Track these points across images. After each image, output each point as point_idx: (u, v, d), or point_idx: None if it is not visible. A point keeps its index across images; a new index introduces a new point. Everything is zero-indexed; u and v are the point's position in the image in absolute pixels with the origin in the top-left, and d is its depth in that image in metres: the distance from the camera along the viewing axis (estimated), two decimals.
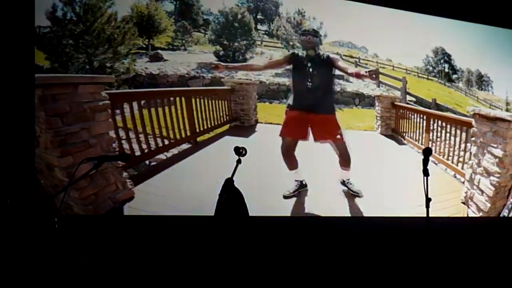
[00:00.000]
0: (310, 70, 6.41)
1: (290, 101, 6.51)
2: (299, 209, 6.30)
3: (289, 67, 6.66)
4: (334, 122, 6.47)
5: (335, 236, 6.13)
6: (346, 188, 6.61)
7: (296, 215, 6.23)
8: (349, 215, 6.49)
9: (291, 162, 6.43)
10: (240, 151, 4.36)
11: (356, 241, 6.22)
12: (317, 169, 6.61)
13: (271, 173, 6.34)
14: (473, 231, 6.83)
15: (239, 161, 4.35)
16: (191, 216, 5.52)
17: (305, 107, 6.43)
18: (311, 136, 6.38)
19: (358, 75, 6.22)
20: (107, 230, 5.21)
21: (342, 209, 6.48)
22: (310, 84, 6.45)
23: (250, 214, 4.40)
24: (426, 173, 4.23)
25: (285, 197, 6.35)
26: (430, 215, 4.24)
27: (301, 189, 6.48)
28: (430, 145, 7.49)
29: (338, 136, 6.43)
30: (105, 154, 5.18)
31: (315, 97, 6.44)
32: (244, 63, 6.72)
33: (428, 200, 4.21)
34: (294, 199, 6.37)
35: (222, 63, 6.43)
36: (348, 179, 6.62)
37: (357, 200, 6.58)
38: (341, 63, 6.45)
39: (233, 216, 4.27)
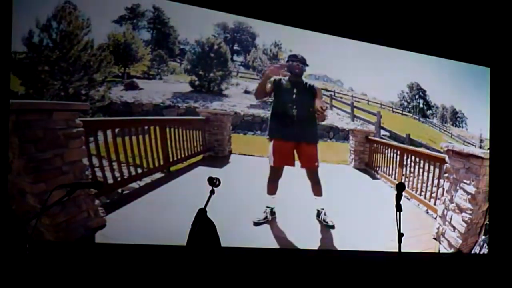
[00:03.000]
0: (294, 96, 6.61)
1: (274, 128, 6.65)
2: (272, 239, 6.40)
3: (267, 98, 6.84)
4: (316, 151, 6.73)
5: (307, 268, 6.23)
6: (320, 219, 6.73)
7: (269, 246, 6.31)
8: (321, 246, 6.60)
9: (274, 188, 6.62)
10: (213, 182, 4.44)
11: (328, 274, 6.33)
12: (292, 196, 6.74)
13: (244, 204, 6.42)
14: (444, 267, 7.01)
15: (212, 192, 4.43)
16: (163, 246, 5.56)
17: (291, 136, 6.64)
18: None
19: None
20: (78, 257, 5.22)
21: (314, 240, 6.61)
22: (295, 111, 6.64)
23: (222, 244, 4.49)
24: (399, 208, 4.33)
25: (256, 223, 6.47)
26: (402, 250, 4.33)
27: (271, 216, 6.59)
28: (403, 180, 7.59)
29: (316, 163, 6.69)
30: (78, 181, 5.24)
31: (300, 124, 6.64)
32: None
33: (400, 235, 4.31)
34: (266, 227, 6.48)
35: None
36: (323, 209, 6.75)
37: (329, 231, 6.69)
38: (317, 101, 6.65)
39: (205, 247, 4.34)
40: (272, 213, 6.62)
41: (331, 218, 6.74)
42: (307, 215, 6.76)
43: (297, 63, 6.72)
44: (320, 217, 6.73)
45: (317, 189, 6.74)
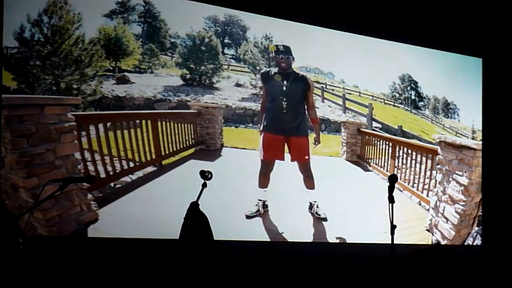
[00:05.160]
0: (284, 89, 6.63)
1: (265, 122, 6.71)
2: (264, 232, 6.50)
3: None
4: (307, 144, 6.75)
5: (299, 261, 6.28)
6: (312, 211, 6.83)
7: (261, 239, 6.40)
8: (313, 239, 6.70)
9: (265, 181, 6.70)
10: (205, 175, 4.52)
11: (320, 266, 6.38)
12: (284, 189, 6.84)
13: (236, 197, 6.51)
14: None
15: (204, 185, 4.50)
16: (156, 240, 5.65)
17: (282, 130, 6.69)
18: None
19: (312, 122, 6.78)
20: (71, 251, 5.29)
21: (307, 232, 6.72)
22: (286, 104, 6.66)
23: (215, 237, 4.54)
24: (391, 200, 4.37)
25: (248, 216, 6.57)
26: (395, 242, 4.37)
27: (264, 209, 6.68)
28: (395, 172, 7.65)
29: (306, 157, 6.74)
30: (70, 176, 5.33)
31: (290, 118, 6.67)
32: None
33: (393, 227, 4.35)
34: (259, 221, 6.57)
35: None
36: (315, 201, 6.83)
37: (322, 224, 6.79)
38: (310, 98, 6.81)
39: (198, 240, 4.38)
40: (265, 206, 6.71)
41: (324, 211, 6.83)
42: (300, 208, 6.84)
43: (281, 56, 6.71)
44: (313, 209, 6.82)
45: (309, 182, 6.81)
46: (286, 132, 6.72)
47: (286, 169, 6.76)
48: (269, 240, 6.47)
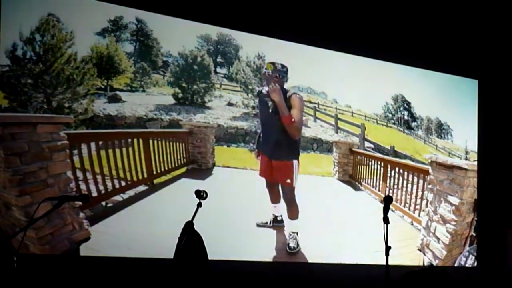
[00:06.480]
0: (270, 111, 6.47)
1: (257, 140, 6.83)
2: (257, 252, 6.54)
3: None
4: (290, 167, 6.62)
5: (293, 282, 6.36)
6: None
7: (254, 259, 6.44)
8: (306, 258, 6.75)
9: (272, 197, 6.82)
10: (201, 194, 4.54)
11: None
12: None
13: (228, 217, 6.55)
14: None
15: (199, 204, 4.53)
16: (148, 259, 5.72)
17: (267, 152, 6.70)
18: None
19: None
20: (64, 270, 5.35)
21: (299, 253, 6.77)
22: (268, 126, 6.67)
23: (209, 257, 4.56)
24: (386, 221, 4.36)
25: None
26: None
27: (275, 224, 6.81)
28: (387, 192, 7.75)
29: (288, 181, 6.62)
30: (62, 194, 5.38)
31: (275, 141, 6.57)
32: None
33: (387, 248, 4.33)
34: (252, 240, 6.62)
35: None
36: (295, 233, 6.81)
37: (312, 245, 6.84)
38: (293, 111, 6.43)
39: (193, 259, 4.40)
40: (276, 221, 6.84)
41: (305, 240, 6.85)
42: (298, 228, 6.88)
43: (275, 74, 6.55)
44: (288, 240, 6.82)
45: (290, 211, 6.76)
46: (267, 153, 6.73)
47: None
48: (261, 260, 6.50)
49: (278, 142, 6.59)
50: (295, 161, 6.66)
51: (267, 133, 6.72)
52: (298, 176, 6.69)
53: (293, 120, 6.37)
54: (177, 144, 7.16)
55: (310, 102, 7.62)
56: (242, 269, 6.04)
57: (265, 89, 6.52)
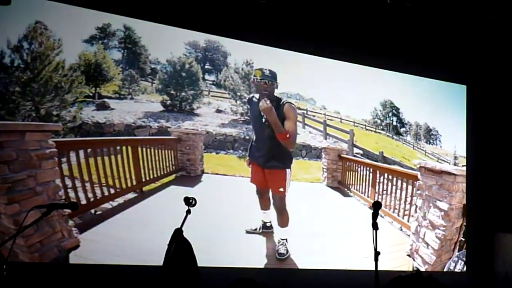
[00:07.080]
0: (263, 120, 6.53)
1: (249, 148, 6.89)
2: (246, 259, 6.59)
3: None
4: (283, 176, 6.71)
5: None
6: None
7: (244, 265, 6.48)
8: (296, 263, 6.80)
9: (262, 204, 6.88)
10: (190, 202, 4.54)
11: None
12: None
13: (217, 224, 6.58)
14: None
15: (188, 212, 4.51)
16: (137, 266, 5.76)
17: (259, 160, 6.76)
18: None
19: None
20: (53, 278, 5.37)
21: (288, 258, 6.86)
22: (259, 134, 6.74)
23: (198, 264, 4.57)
24: (375, 226, 4.32)
25: (247, 232, 6.82)
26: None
27: (264, 230, 6.88)
28: (376, 198, 7.75)
29: (281, 189, 6.71)
30: (51, 202, 5.39)
31: (268, 149, 6.66)
32: None
33: (377, 254, 4.29)
34: (241, 247, 6.68)
35: None
36: (285, 239, 6.87)
37: (301, 251, 6.90)
38: (287, 123, 6.52)
39: (182, 267, 4.40)
40: (266, 227, 6.90)
41: (295, 245, 6.93)
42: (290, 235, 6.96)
43: (264, 80, 6.55)
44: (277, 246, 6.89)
45: (280, 218, 6.84)
46: (259, 161, 6.79)
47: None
48: (251, 266, 6.55)
49: (271, 151, 6.67)
50: (288, 170, 6.75)
51: (260, 141, 6.77)
52: None
53: (288, 136, 6.46)
54: (166, 151, 7.17)
55: (299, 108, 7.58)
56: (232, 275, 6.10)
57: (255, 97, 6.61)
